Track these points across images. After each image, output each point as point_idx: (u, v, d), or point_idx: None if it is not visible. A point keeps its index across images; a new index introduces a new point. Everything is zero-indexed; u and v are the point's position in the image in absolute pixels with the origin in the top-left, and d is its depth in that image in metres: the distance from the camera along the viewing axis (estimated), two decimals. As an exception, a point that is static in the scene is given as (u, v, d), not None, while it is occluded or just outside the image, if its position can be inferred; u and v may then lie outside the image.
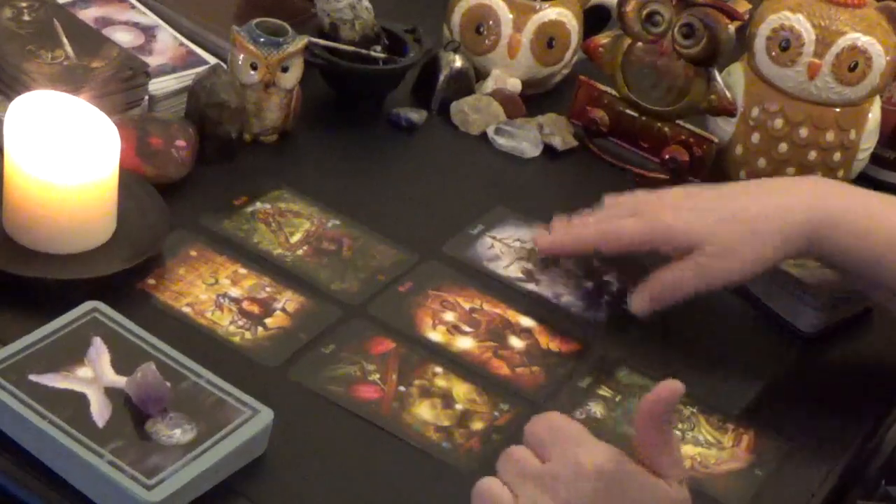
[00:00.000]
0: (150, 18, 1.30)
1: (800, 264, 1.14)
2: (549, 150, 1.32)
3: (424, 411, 0.99)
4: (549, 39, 1.37)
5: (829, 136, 1.28)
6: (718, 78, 1.29)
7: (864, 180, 1.37)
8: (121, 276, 1.02)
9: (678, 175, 1.30)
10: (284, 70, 1.20)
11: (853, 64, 1.25)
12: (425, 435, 0.98)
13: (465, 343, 1.06)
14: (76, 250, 1.03)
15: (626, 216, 1.10)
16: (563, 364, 1.07)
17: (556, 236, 1.13)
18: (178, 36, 1.28)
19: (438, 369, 1.03)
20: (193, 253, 1.09)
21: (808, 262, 1.13)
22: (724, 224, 1.07)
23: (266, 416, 0.92)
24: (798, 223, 1.06)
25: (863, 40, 1.25)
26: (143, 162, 1.12)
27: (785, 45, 1.26)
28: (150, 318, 1.00)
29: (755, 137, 1.30)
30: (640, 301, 1.09)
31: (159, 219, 1.08)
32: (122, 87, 1.17)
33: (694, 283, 1.07)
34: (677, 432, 1.02)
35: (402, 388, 1.01)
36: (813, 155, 1.29)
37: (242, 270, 1.08)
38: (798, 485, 1.02)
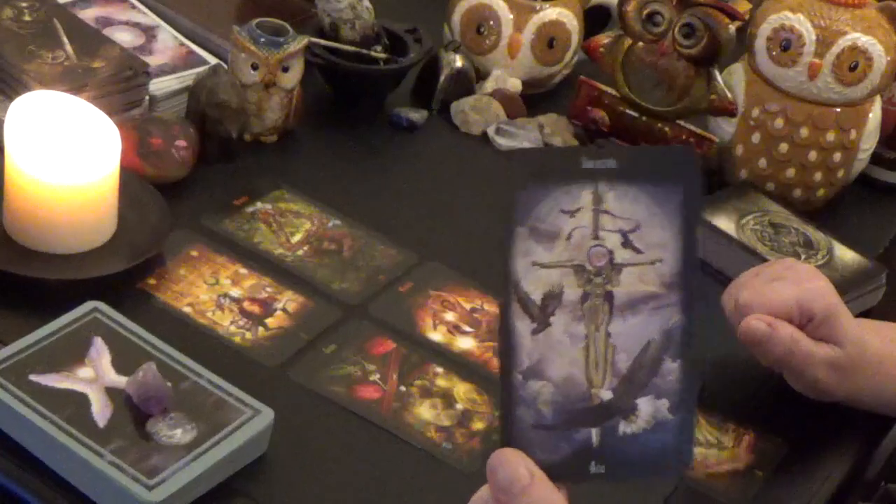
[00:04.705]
0: (150, 18, 1.30)
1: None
2: (549, 150, 1.33)
3: (425, 411, 0.99)
4: (549, 39, 1.37)
5: (830, 136, 1.28)
6: (719, 78, 1.29)
7: (864, 180, 1.37)
8: (121, 276, 1.02)
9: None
10: (285, 70, 1.20)
11: (853, 64, 1.25)
12: (426, 435, 0.98)
13: (465, 343, 1.06)
14: (77, 250, 1.03)
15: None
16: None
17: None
18: (179, 36, 1.28)
19: (439, 369, 1.03)
20: (194, 253, 1.09)
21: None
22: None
23: (266, 416, 0.92)
24: None
25: (863, 40, 1.25)
26: (143, 162, 1.12)
27: (785, 45, 1.26)
28: (150, 318, 1.00)
29: (755, 137, 1.30)
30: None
31: (160, 219, 1.08)
32: (122, 87, 1.17)
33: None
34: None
35: (402, 388, 1.01)
36: (813, 155, 1.29)
37: (243, 270, 1.08)
38: (798, 485, 1.02)
